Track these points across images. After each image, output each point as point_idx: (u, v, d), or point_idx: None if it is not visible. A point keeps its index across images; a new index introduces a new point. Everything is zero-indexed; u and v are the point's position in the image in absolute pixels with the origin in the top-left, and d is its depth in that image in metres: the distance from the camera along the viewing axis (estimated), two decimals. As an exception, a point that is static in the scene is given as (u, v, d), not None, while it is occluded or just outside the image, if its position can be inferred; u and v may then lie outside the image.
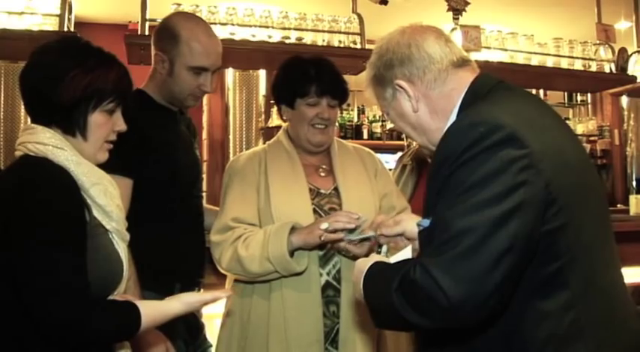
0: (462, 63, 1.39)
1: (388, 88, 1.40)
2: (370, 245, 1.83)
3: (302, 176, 2.01)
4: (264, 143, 2.21)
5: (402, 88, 1.36)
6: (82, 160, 1.40)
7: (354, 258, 1.89)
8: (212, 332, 2.17)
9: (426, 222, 1.23)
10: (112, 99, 1.44)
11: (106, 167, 1.52)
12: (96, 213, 1.40)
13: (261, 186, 1.99)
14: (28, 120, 1.50)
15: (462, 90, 1.35)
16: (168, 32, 2.01)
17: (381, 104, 1.46)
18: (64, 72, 1.40)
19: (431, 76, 1.35)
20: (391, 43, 1.39)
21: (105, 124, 1.45)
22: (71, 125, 1.42)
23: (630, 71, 4.15)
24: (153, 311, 1.38)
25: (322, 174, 2.06)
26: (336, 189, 2.02)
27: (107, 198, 1.42)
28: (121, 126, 1.49)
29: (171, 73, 2.00)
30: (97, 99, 1.42)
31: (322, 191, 2.01)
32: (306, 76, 2.00)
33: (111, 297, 1.42)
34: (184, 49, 1.97)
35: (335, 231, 1.80)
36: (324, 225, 1.80)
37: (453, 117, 1.33)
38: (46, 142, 1.38)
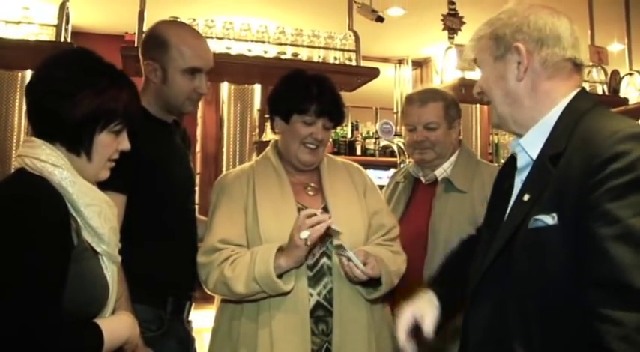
0: (579, 68, 1.44)
1: (501, 46, 1.42)
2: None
3: (290, 195, 1.99)
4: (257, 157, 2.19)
5: (518, 51, 1.38)
6: (78, 180, 1.38)
7: (347, 277, 1.90)
8: (201, 345, 2.16)
9: (549, 220, 1.25)
10: (119, 122, 1.43)
11: (100, 183, 1.51)
12: (86, 235, 1.38)
13: (248, 206, 1.98)
14: (22, 128, 1.49)
15: (568, 91, 1.40)
16: (156, 40, 2.00)
17: (481, 59, 1.47)
18: (75, 90, 1.37)
19: (548, 56, 1.38)
20: (525, 10, 1.41)
21: (110, 145, 1.44)
22: (76, 144, 1.40)
23: (622, 93, 4.19)
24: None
25: (310, 193, 2.05)
26: (325, 208, 1.99)
27: (101, 220, 1.39)
28: (126, 145, 1.48)
29: (165, 79, 1.99)
30: (105, 121, 1.41)
31: None
32: (307, 93, 1.98)
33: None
34: (175, 54, 1.97)
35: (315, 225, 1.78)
36: (305, 234, 1.77)
37: (554, 110, 1.38)
38: (43, 159, 1.35)
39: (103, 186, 1.53)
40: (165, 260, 1.93)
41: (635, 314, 1.12)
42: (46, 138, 1.40)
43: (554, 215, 1.25)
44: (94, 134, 1.40)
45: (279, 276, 1.82)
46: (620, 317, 1.13)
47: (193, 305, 2.13)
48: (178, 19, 2.95)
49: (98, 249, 1.40)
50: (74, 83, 1.38)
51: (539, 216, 1.28)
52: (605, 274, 1.16)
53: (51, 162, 1.36)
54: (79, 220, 1.37)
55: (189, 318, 2.11)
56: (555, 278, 1.25)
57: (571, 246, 1.23)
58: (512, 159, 1.61)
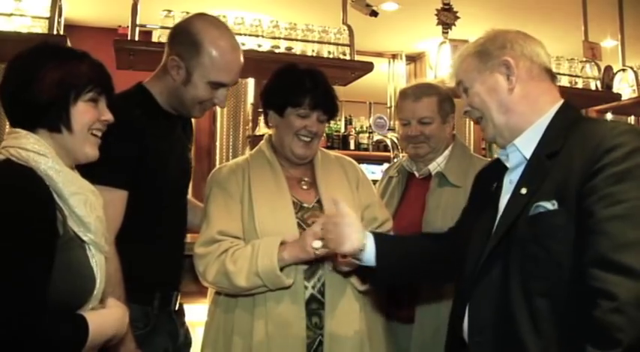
0: (554, 79, 1.59)
1: (490, 62, 1.55)
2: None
3: (285, 189, 2.00)
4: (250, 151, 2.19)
5: (508, 64, 1.52)
6: (64, 168, 1.38)
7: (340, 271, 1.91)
8: (195, 340, 2.15)
9: (549, 205, 1.36)
10: (90, 88, 1.43)
11: (102, 179, 1.51)
12: (72, 224, 1.37)
13: (244, 200, 1.98)
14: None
15: (554, 98, 1.54)
16: (189, 38, 1.88)
17: (468, 78, 1.58)
18: (34, 72, 1.39)
19: (531, 66, 1.53)
20: (504, 32, 1.59)
21: (88, 112, 1.44)
22: (55, 122, 1.40)
23: (615, 89, 4.20)
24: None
25: (304, 187, 2.06)
26: (318, 202, 2.01)
27: (87, 209, 1.39)
28: (108, 116, 1.49)
29: (187, 82, 1.89)
30: (74, 93, 1.42)
31: (305, 205, 2.01)
32: (301, 86, 1.99)
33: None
34: (206, 61, 1.86)
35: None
36: (317, 244, 1.79)
37: (545, 116, 1.50)
38: (28, 148, 1.36)
39: (104, 181, 1.52)
40: (154, 258, 1.90)
41: (629, 288, 1.20)
42: (28, 127, 1.41)
43: (554, 202, 1.36)
44: (69, 105, 1.42)
45: (280, 270, 1.83)
46: (614, 291, 1.20)
47: (187, 299, 2.12)
48: (223, 17, 2.81)
49: (84, 238, 1.39)
50: (33, 66, 1.41)
51: (540, 203, 1.38)
52: (604, 250, 1.25)
53: (36, 151, 1.36)
54: (64, 209, 1.36)
55: (179, 304, 2.07)
56: (559, 258, 1.34)
57: (572, 228, 1.33)
58: (493, 164, 1.71)
